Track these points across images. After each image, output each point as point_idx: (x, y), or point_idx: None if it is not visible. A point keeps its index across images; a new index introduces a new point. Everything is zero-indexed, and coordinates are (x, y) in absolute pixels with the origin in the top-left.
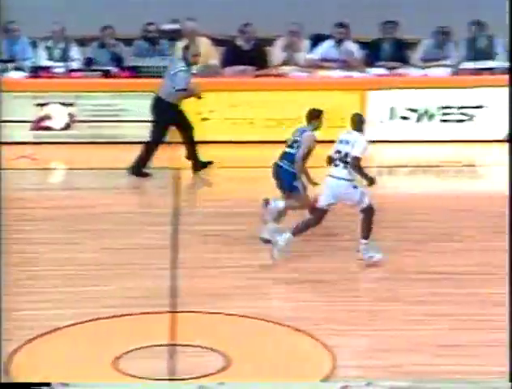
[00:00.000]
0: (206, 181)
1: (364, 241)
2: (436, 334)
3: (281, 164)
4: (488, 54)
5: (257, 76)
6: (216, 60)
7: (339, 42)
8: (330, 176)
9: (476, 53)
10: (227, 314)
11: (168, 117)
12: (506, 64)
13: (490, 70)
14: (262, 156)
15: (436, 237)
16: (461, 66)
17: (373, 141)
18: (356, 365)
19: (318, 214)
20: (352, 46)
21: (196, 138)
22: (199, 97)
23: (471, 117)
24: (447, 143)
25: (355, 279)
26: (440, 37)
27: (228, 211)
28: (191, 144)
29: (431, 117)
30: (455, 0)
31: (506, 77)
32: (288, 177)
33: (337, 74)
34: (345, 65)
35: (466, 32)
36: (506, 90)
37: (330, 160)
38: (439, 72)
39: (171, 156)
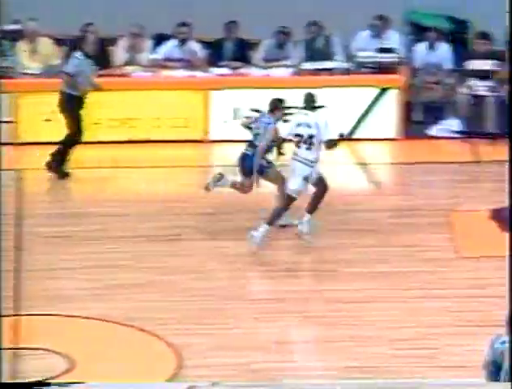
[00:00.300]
0: (51, 182)
1: (266, 226)
2: (281, 331)
3: (247, 152)
4: (326, 55)
5: (100, 76)
6: (59, 60)
7: (183, 42)
8: (295, 158)
9: (315, 54)
10: (70, 316)
11: (76, 108)
12: (344, 64)
13: (329, 70)
14: (107, 156)
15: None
16: (301, 67)
17: (217, 141)
18: (202, 365)
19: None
20: (195, 46)
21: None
22: (99, 89)
23: None
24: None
25: (199, 278)
26: (280, 37)
27: (73, 211)
28: (69, 144)
29: None
30: (294, 0)
31: (344, 77)
32: (251, 163)
33: (180, 73)
34: (188, 64)
35: (304, 33)
36: (345, 90)
37: (280, 143)
38: (280, 72)
39: (13, 156)
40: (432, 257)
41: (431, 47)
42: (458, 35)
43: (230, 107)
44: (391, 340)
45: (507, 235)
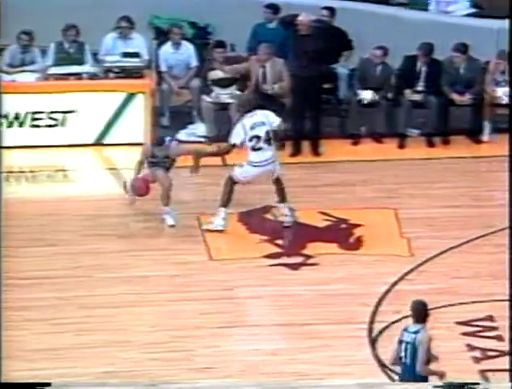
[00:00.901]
0: None
1: (281, 204)
2: (31, 339)
3: None
4: (77, 59)
5: None
6: None
7: None
8: (254, 165)
9: (66, 58)
10: None
11: None
12: (92, 69)
13: (78, 75)
14: None
15: (31, 243)
16: (49, 71)
17: None
18: None
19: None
20: None
21: None
22: None
23: (61, 122)
24: (39, 148)
25: None
26: (26, 42)
27: None
28: None
29: (21, 123)
30: (44, 3)
31: (92, 82)
32: None
33: None
34: None
35: (55, 36)
36: (93, 95)
37: (230, 148)
38: (27, 77)
39: None
40: (184, 260)
41: (176, 46)
42: (200, 41)
43: None
44: (147, 344)
45: (254, 237)
